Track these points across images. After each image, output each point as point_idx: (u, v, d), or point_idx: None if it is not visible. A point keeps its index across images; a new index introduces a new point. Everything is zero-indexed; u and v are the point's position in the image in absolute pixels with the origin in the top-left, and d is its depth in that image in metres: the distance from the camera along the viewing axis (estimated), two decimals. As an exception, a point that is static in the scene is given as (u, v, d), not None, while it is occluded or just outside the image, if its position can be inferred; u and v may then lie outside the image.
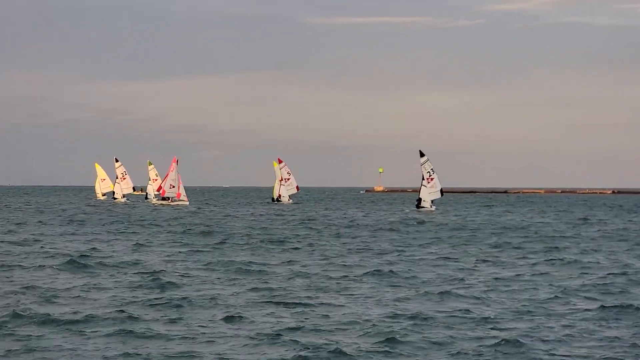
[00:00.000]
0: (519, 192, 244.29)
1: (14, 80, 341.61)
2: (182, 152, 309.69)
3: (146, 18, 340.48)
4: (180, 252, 32.35)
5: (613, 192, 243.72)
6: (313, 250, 33.56)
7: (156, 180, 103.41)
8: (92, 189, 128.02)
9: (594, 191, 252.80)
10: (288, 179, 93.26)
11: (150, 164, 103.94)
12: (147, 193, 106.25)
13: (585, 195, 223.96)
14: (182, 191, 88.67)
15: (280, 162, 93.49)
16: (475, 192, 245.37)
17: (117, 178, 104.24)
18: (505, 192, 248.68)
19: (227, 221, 57.50)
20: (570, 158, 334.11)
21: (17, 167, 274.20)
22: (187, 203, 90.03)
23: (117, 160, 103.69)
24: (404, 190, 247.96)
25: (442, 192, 75.48)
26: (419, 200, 75.77)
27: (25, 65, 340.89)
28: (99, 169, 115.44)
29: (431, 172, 74.38)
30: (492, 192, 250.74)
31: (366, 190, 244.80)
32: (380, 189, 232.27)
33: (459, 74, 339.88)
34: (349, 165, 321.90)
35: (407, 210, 78.35)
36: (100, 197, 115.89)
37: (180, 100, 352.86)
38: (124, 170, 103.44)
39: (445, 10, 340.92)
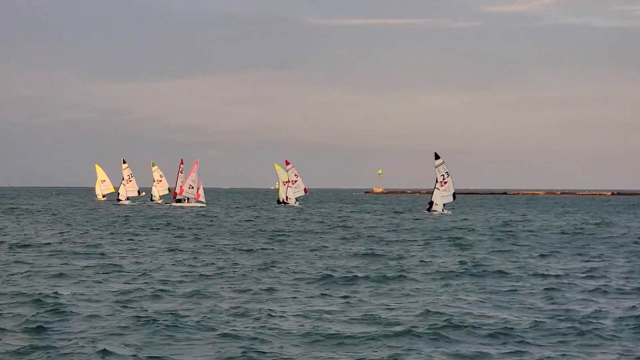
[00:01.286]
0: (518, 194, 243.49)
1: (14, 80, 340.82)
2: (182, 152, 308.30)
3: (146, 18, 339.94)
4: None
5: (612, 193, 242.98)
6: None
7: (160, 181, 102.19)
8: (91, 189, 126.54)
9: (594, 192, 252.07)
10: (295, 181, 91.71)
11: (153, 165, 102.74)
12: (152, 195, 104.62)
13: (586, 196, 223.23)
14: (202, 192, 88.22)
15: (287, 163, 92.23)
16: (474, 193, 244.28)
17: (122, 179, 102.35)
18: (505, 193, 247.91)
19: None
20: (570, 158, 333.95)
21: (16, 167, 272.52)
22: (205, 205, 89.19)
23: (124, 162, 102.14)
24: (403, 192, 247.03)
25: (454, 195, 74.08)
26: (431, 203, 74.24)
27: (25, 65, 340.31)
28: (99, 170, 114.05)
29: (445, 175, 72.94)
30: (491, 193, 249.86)
31: (365, 192, 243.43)
32: (380, 190, 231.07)
33: (459, 74, 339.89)
34: (348, 166, 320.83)
35: (425, 213, 76.05)
36: (100, 198, 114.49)
37: (180, 100, 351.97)
38: (131, 172, 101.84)
39: (445, 12, 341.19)
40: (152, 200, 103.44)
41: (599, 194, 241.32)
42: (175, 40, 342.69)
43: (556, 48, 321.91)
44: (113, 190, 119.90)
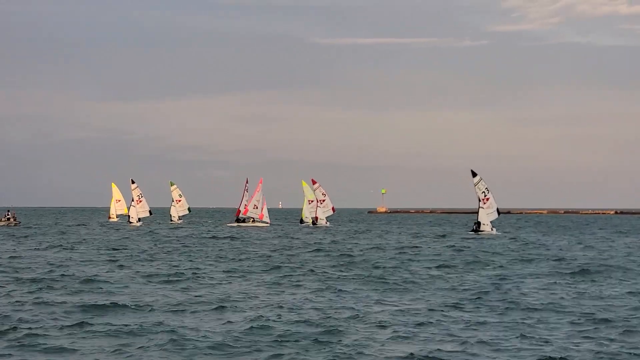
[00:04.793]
0: (522, 212, 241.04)
1: (21, 99, 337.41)
2: (188, 172, 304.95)
3: (151, 38, 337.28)
4: None
5: (616, 212, 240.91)
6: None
7: (180, 200, 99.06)
8: (96, 210, 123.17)
9: (597, 212, 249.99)
10: (323, 200, 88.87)
11: (172, 184, 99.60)
12: (170, 215, 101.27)
13: (588, 215, 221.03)
14: (265, 212, 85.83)
15: (314, 183, 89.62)
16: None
17: (132, 200, 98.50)
18: (509, 212, 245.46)
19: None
20: (573, 177, 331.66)
21: (22, 188, 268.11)
22: (269, 224, 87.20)
23: (133, 182, 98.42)
24: (407, 211, 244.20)
25: (498, 211, 71.19)
26: (478, 224, 70.90)
27: (32, 85, 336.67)
28: (115, 190, 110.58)
29: (486, 192, 70.01)
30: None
31: (369, 212, 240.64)
32: (383, 209, 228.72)
33: (464, 93, 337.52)
34: (351, 185, 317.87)
35: (472, 233, 72.19)
36: (113, 219, 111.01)
37: (186, 120, 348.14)
38: (140, 192, 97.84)
39: (451, 31, 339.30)
40: (170, 220, 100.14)
41: (603, 213, 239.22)
42: (181, 59, 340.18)
43: (561, 67, 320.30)
44: (126, 211, 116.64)
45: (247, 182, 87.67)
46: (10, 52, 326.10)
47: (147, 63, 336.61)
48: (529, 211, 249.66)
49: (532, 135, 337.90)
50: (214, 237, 66.18)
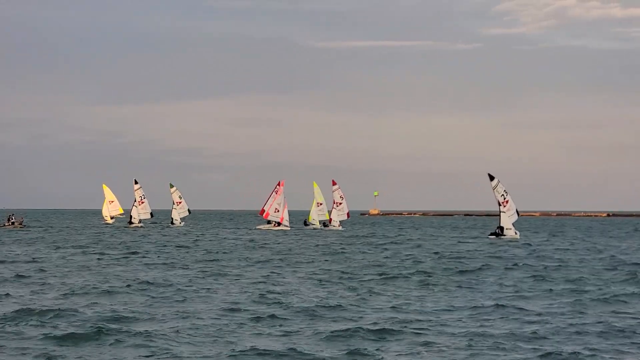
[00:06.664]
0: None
1: (16, 103, 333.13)
2: (184, 174, 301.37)
3: (148, 41, 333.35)
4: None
5: (608, 215, 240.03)
6: None
7: (180, 202, 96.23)
8: (90, 212, 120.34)
9: (589, 214, 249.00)
10: (340, 204, 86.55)
11: (172, 186, 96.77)
12: (172, 218, 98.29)
13: (581, 218, 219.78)
14: (286, 216, 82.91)
15: (334, 184, 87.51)
16: (471, 215, 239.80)
17: (134, 201, 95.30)
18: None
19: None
20: (565, 180, 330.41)
21: (16, 189, 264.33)
22: (289, 229, 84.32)
23: (136, 182, 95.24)
24: (399, 214, 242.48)
25: (518, 212, 69.13)
26: (501, 229, 68.23)
27: (28, 89, 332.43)
28: (106, 191, 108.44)
29: (505, 195, 67.88)
30: (487, 215, 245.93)
31: (361, 214, 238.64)
32: (376, 212, 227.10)
33: (458, 96, 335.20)
34: (344, 187, 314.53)
35: (493, 238, 68.58)
36: (108, 220, 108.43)
37: (182, 123, 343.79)
38: (143, 193, 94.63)
39: (444, 35, 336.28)
40: (172, 223, 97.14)
41: (595, 216, 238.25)
42: (178, 62, 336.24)
43: (554, 70, 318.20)
44: (122, 211, 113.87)
45: (278, 184, 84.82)
46: (5, 56, 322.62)
47: (143, 66, 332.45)
48: (521, 214, 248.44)
49: (525, 138, 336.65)
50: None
